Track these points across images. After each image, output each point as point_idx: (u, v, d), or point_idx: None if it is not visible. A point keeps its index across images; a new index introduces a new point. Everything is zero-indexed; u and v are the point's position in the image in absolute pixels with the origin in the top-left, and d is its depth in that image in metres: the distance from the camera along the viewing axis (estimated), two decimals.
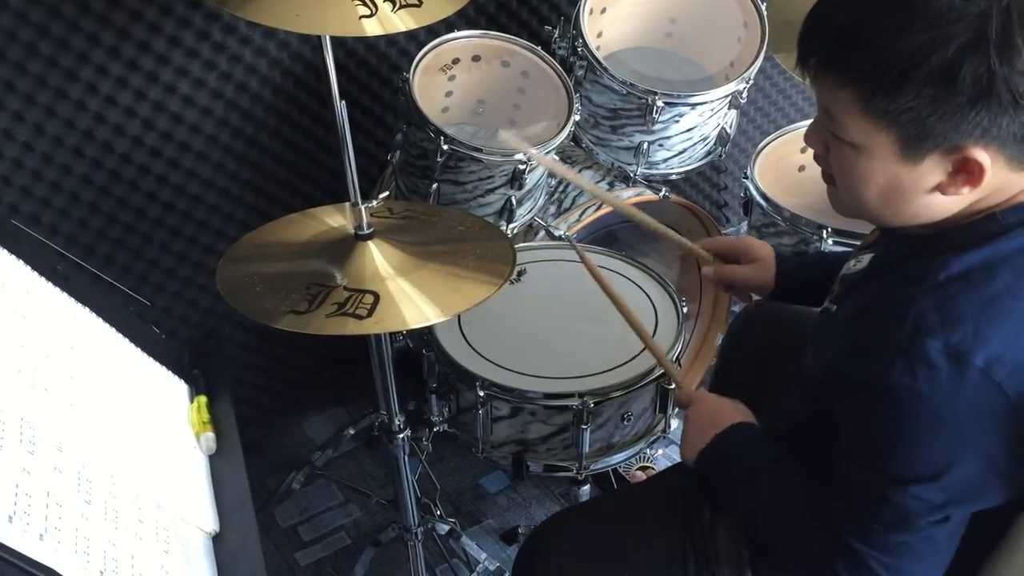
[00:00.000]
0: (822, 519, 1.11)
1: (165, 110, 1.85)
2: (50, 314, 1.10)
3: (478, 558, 1.92)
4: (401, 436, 1.57)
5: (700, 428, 1.29)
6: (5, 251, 1.09)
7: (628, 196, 2.06)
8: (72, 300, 1.15)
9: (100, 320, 1.18)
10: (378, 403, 1.58)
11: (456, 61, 1.95)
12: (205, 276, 2.05)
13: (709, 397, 1.37)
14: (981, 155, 0.93)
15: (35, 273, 1.12)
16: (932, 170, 0.97)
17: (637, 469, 2.03)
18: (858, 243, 1.80)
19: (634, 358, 1.62)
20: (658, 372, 1.61)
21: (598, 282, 1.47)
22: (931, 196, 0.99)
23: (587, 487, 1.79)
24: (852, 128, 0.98)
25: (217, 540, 1.04)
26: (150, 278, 2.00)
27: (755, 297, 1.51)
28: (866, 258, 1.18)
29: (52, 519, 0.84)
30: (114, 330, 1.19)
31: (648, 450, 1.85)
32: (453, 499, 2.17)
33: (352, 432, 2.24)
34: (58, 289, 1.14)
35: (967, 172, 0.95)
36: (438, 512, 1.92)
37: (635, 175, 2.08)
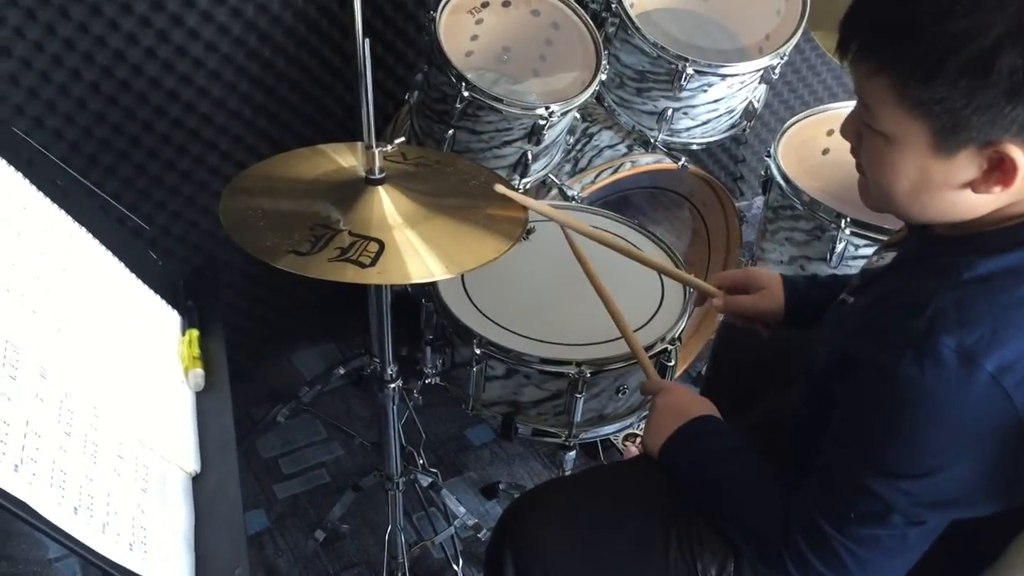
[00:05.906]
0: (787, 498, 1.10)
1: (182, 24, 1.79)
2: (45, 232, 1.06)
3: (457, 512, 1.91)
4: (393, 386, 1.54)
5: (665, 418, 1.28)
6: (4, 162, 1.05)
7: (647, 162, 2.01)
8: (69, 219, 1.11)
9: (96, 242, 1.14)
10: (371, 346, 1.55)
11: (485, 4, 1.88)
12: (208, 198, 2.01)
13: (678, 388, 1.36)
14: (1016, 153, 0.90)
15: (33, 187, 1.08)
16: (965, 166, 0.93)
17: (627, 437, 2.01)
18: (878, 236, 1.77)
19: (636, 331, 1.59)
20: (658, 348, 1.58)
21: (583, 268, 1.47)
22: (962, 193, 0.95)
23: (573, 453, 1.77)
24: (885, 118, 0.95)
25: (197, 481, 1.01)
26: (152, 194, 1.96)
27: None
28: (889, 255, 1.16)
29: (29, 449, 0.81)
30: (110, 253, 1.15)
31: (640, 424, 1.82)
32: (436, 448, 2.16)
33: (342, 371, 2.22)
34: (56, 206, 1.10)
35: (1001, 171, 0.92)
36: (421, 462, 1.90)
37: (656, 141, 2.04)
